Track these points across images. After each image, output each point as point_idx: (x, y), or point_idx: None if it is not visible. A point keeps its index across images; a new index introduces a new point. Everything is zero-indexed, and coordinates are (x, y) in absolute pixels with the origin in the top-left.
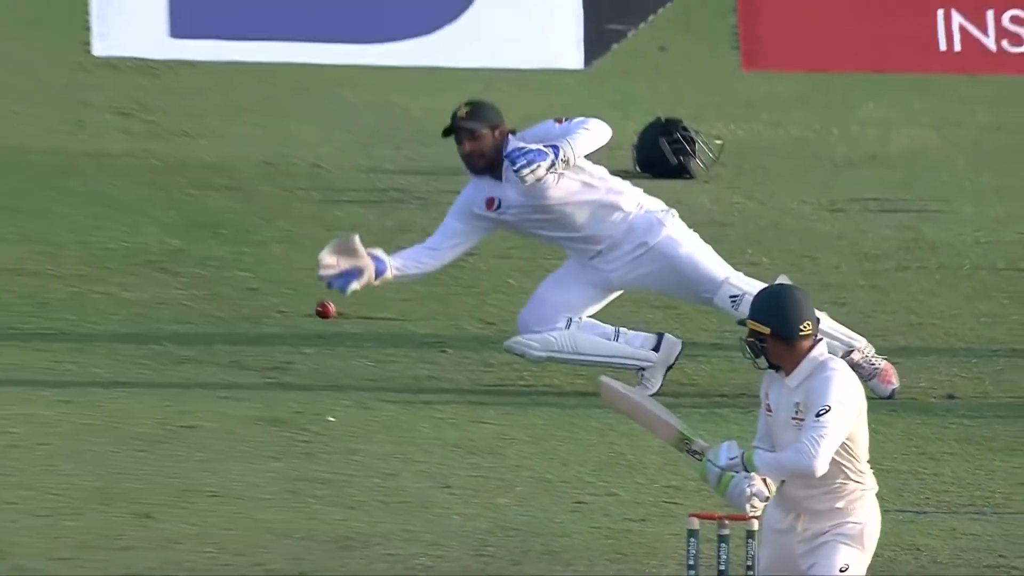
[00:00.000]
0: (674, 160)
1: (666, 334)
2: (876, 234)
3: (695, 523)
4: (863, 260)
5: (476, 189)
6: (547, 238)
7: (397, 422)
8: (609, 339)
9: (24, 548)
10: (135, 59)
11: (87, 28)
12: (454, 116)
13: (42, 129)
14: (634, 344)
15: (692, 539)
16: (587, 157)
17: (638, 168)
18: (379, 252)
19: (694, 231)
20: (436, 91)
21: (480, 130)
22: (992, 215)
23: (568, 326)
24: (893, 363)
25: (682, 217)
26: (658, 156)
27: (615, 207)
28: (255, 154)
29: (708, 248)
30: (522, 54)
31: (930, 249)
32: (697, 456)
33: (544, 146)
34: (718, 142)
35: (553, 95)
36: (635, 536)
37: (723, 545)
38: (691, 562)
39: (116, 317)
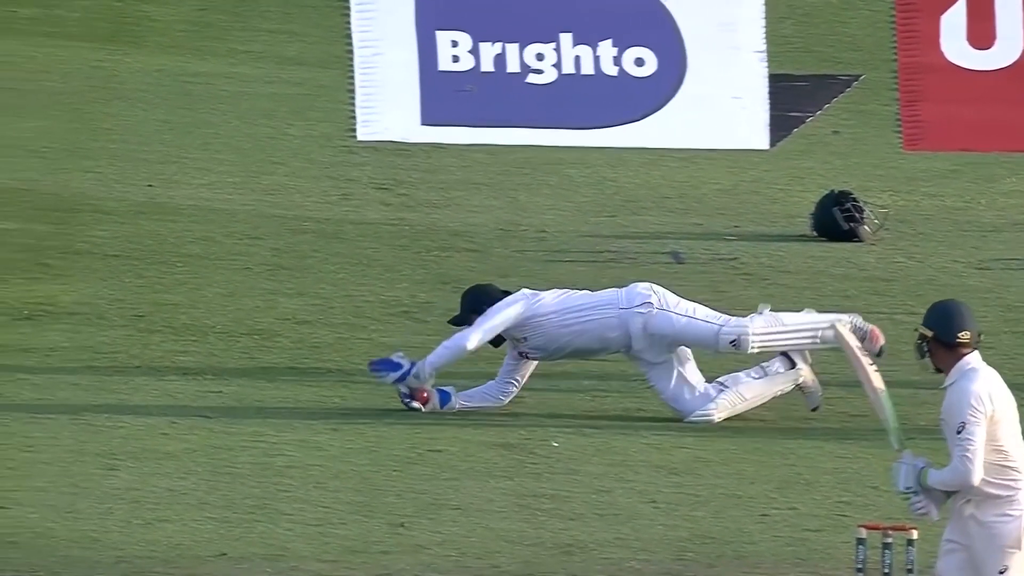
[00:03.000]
0: (845, 226)
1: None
2: (1017, 288)
3: (863, 533)
4: (1006, 311)
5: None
6: (582, 357)
7: (610, 446)
8: (760, 377)
9: (298, 552)
10: (392, 142)
11: (352, 117)
12: None
13: (315, 201)
14: (779, 370)
15: (860, 546)
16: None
17: (814, 233)
18: (448, 388)
19: (684, 299)
20: (644, 167)
21: (469, 319)
22: None
23: (724, 388)
24: None
25: (851, 275)
26: (831, 223)
27: (605, 320)
28: (491, 221)
29: (697, 308)
30: (716, 136)
31: None
32: (895, 449)
33: (406, 362)
34: (883, 211)
35: (742, 171)
36: (812, 544)
37: (887, 551)
38: (859, 566)
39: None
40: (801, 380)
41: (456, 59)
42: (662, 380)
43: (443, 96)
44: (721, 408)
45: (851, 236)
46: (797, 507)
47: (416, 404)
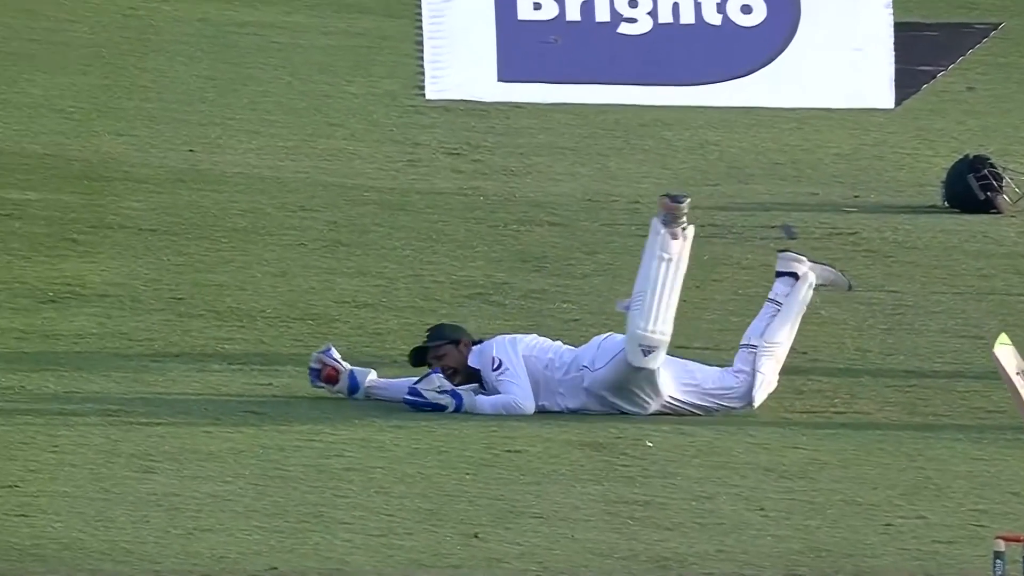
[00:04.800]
0: (982, 196)
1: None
2: None
3: (1001, 545)
4: None
5: None
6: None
7: (712, 447)
8: (776, 313)
9: (358, 565)
10: (465, 102)
11: (420, 73)
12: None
13: (377, 168)
14: (786, 291)
15: (999, 560)
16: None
17: (946, 203)
18: (362, 371)
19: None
20: (751, 130)
21: (442, 344)
22: None
23: (752, 347)
24: None
25: (988, 251)
26: (966, 192)
27: (561, 382)
28: (577, 191)
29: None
30: (834, 94)
31: None
32: None
33: (450, 396)
34: None
35: (863, 133)
36: (942, 558)
37: None
38: None
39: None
40: (816, 282)
41: (538, 6)
42: (690, 395)
43: (523, 49)
44: (767, 368)
45: (988, 207)
46: (926, 516)
47: (322, 384)
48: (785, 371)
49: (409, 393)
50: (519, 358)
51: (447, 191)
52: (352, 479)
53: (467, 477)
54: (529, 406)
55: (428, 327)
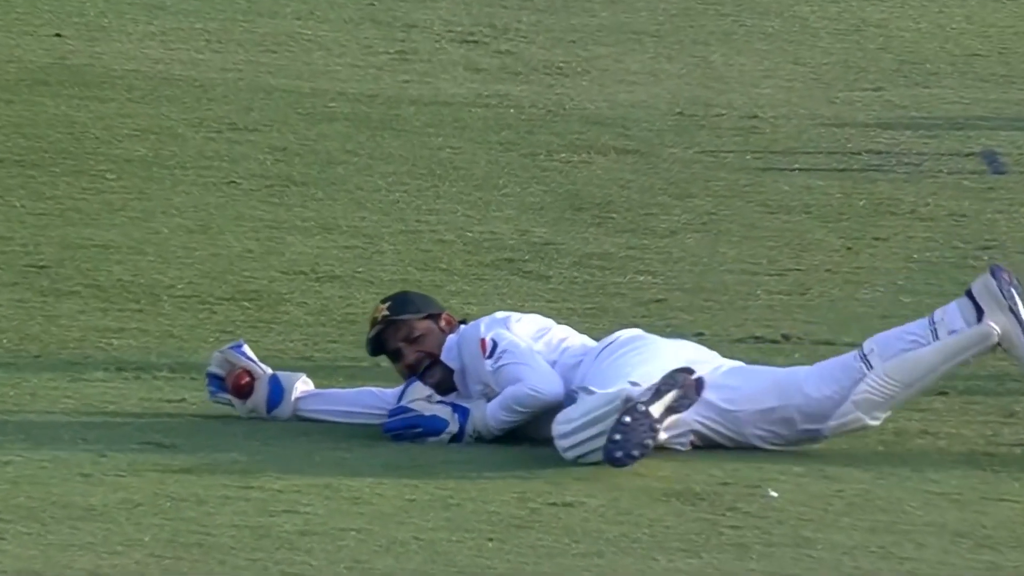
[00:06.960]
0: None
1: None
2: None
3: None
4: None
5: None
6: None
7: (871, 499)
8: (927, 342)
9: None
10: None
11: None
12: (373, 324)
13: (349, 64)
14: (954, 326)
15: None
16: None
17: None
18: (289, 377)
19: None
20: (933, 2)
21: (414, 320)
22: None
23: (867, 365)
24: None
25: None
26: None
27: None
28: (660, 99)
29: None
30: None
31: None
32: None
33: (451, 409)
34: None
35: None
36: None
37: None
38: None
39: (393, 414)
40: (998, 341)
41: None
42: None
43: None
44: (865, 406)
45: None
46: None
47: (226, 396)
48: (987, 380)
49: (392, 413)
50: (518, 336)
51: (458, 100)
52: (311, 548)
53: (489, 545)
54: (550, 389)
55: (384, 297)
